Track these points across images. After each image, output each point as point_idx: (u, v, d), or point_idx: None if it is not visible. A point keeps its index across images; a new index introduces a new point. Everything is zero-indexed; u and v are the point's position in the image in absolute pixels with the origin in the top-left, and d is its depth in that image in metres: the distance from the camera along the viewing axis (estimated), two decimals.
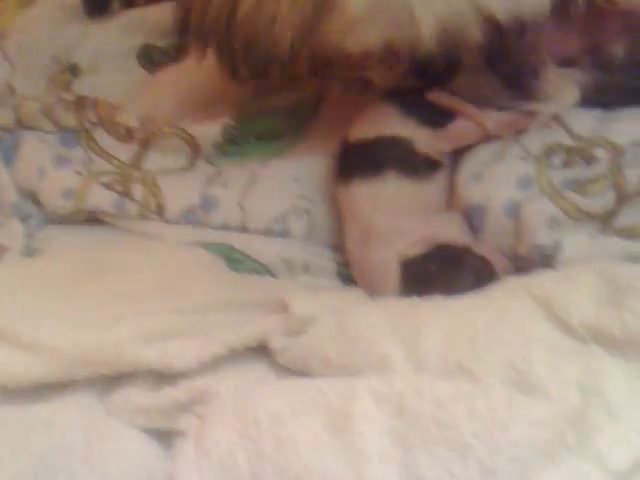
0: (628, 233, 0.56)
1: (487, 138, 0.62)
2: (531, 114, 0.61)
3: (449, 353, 0.50)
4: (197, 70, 0.71)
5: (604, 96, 0.62)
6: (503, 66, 0.59)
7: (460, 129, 0.62)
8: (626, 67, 0.62)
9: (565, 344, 0.48)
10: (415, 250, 0.59)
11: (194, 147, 0.70)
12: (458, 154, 0.63)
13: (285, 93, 0.70)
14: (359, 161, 0.62)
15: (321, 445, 0.45)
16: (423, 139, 0.62)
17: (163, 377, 0.53)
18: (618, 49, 0.62)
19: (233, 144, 0.69)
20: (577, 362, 0.46)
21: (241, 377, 0.54)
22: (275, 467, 0.45)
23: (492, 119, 0.61)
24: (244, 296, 0.59)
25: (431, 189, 0.62)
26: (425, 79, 0.60)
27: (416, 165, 0.62)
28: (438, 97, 0.62)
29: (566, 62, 0.62)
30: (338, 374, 0.52)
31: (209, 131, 0.69)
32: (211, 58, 0.63)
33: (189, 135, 0.70)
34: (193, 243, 0.64)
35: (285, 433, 0.46)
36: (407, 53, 0.54)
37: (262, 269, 0.64)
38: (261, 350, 0.56)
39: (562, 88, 0.60)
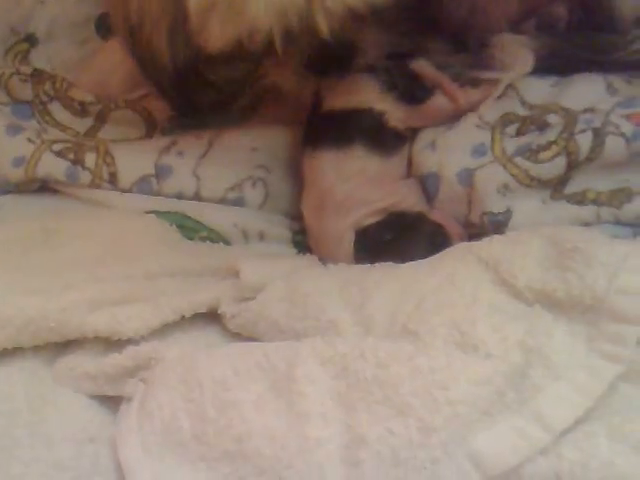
0: (578, 199, 0.57)
1: (457, 116, 0.62)
2: (494, 83, 0.61)
3: (396, 316, 0.50)
4: None
5: (557, 62, 0.62)
6: (446, 29, 0.59)
7: (436, 106, 0.62)
8: (570, 28, 0.62)
9: (510, 306, 0.48)
10: (370, 219, 0.59)
11: (149, 120, 0.69)
12: None
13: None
14: (329, 131, 0.62)
15: (264, 407, 0.45)
16: (398, 115, 0.62)
17: (112, 343, 0.53)
18: (561, 10, 0.63)
19: (186, 116, 0.69)
20: (520, 323, 0.47)
21: (190, 343, 0.54)
22: (217, 429, 0.45)
23: (465, 95, 0.62)
24: (195, 263, 0.58)
25: (395, 162, 0.62)
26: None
27: (385, 140, 0.62)
28: (421, 67, 0.62)
29: (510, 26, 0.62)
30: (287, 339, 0.52)
31: (161, 104, 0.68)
32: None
33: (144, 108, 0.69)
34: (146, 211, 0.63)
35: (229, 396, 0.46)
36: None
37: (216, 237, 0.63)
38: (211, 316, 0.56)
39: (517, 55, 0.60)
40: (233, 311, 0.54)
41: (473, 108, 0.61)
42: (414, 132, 0.63)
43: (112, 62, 0.70)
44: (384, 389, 0.44)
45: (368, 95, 0.62)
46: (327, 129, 0.62)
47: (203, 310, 0.55)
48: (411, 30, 0.67)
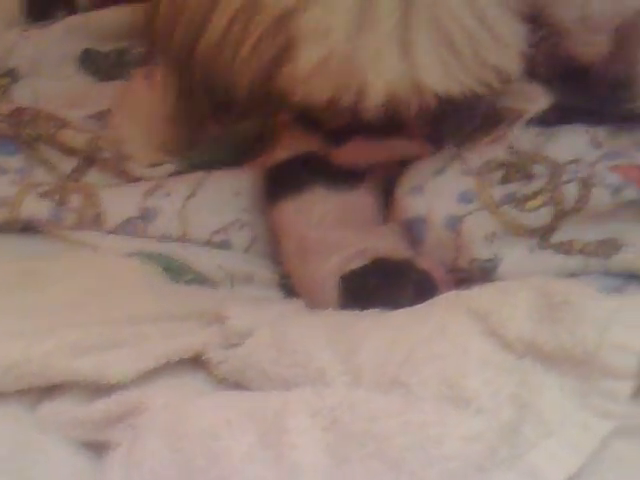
0: (565, 248, 0.57)
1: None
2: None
3: (385, 367, 0.49)
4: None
5: (545, 113, 0.62)
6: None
7: (354, 150, 0.63)
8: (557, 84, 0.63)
9: (501, 359, 0.48)
10: (354, 264, 0.59)
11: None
12: (397, 168, 0.63)
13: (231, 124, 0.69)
14: (282, 182, 0.63)
15: (255, 458, 0.44)
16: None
17: (96, 389, 0.52)
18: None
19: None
20: (512, 377, 0.46)
21: (177, 390, 0.53)
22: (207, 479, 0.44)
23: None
24: (181, 307, 0.58)
25: (359, 199, 0.62)
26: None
27: (337, 177, 0.62)
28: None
29: None
30: (275, 387, 0.51)
31: (160, 172, 0.68)
32: None
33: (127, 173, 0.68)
34: (130, 254, 0.63)
35: (218, 446, 0.45)
36: (350, 110, 0.55)
37: (203, 280, 0.62)
38: (198, 362, 0.55)
39: (534, 94, 0.60)
40: (220, 357, 0.53)
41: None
42: (395, 175, 0.64)
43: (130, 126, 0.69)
44: (376, 442, 0.43)
45: (301, 141, 0.63)
46: (279, 182, 0.63)
47: (188, 356, 0.54)
48: None
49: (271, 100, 0.58)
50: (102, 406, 0.49)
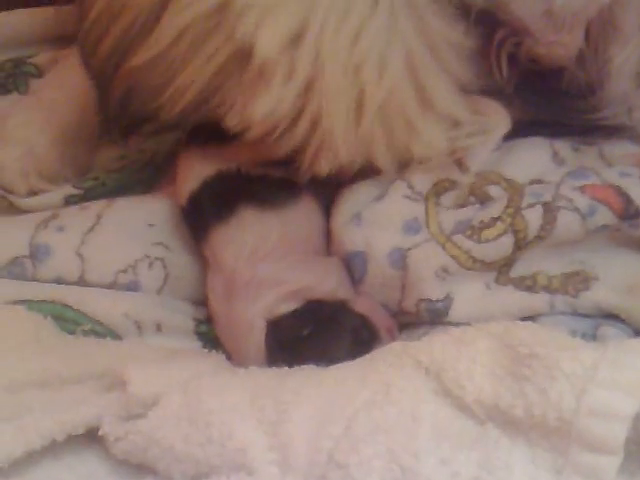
0: (527, 284, 0.49)
1: None
2: None
3: (320, 442, 0.40)
4: (64, 104, 0.61)
5: None
6: None
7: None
8: (519, 91, 0.55)
9: (457, 426, 0.40)
10: (285, 306, 0.50)
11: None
12: (333, 192, 0.54)
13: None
14: (206, 211, 0.53)
15: None
16: (239, 158, 0.53)
17: None
18: (512, 75, 0.56)
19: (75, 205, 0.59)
20: (473, 451, 0.38)
21: (63, 476, 0.43)
22: None
23: None
24: (74, 367, 0.48)
25: (299, 218, 0.53)
26: None
27: (267, 191, 0.53)
28: None
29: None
30: (184, 470, 0.42)
31: (48, 203, 0.58)
32: None
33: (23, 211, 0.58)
34: (15, 301, 0.52)
35: None
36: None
37: (103, 330, 0.52)
38: (91, 438, 0.45)
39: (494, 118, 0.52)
40: (118, 433, 0.43)
41: None
42: (331, 202, 0.55)
43: (34, 131, 0.59)
44: None
45: (206, 160, 0.54)
46: (202, 209, 0.54)
47: (80, 432, 0.44)
48: None
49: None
50: None
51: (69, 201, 0.58)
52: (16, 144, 0.59)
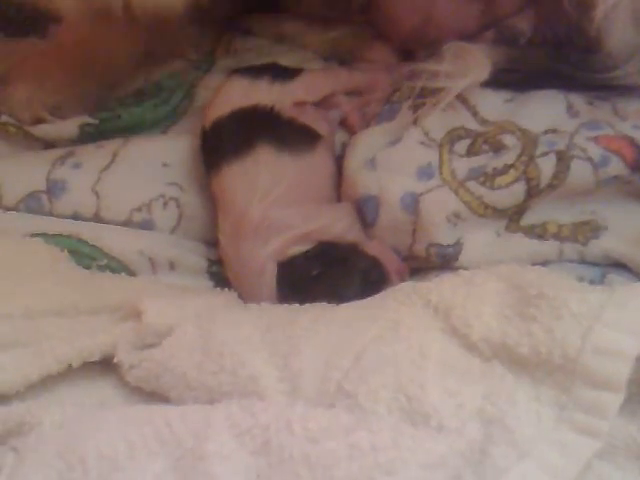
0: (537, 232, 0.49)
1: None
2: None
3: (330, 372, 0.41)
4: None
5: (515, 76, 0.55)
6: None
7: (309, 81, 0.56)
8: (533, 43, 0.55)
9: (464, 362, 0.41)
10: (295, 249, 0.51)
11: (46, 144, 0.59)
12: (352, 128, 0.55)
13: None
14: (226, 140, 0.53)
15: None
16: (281, 98, 0.54)
17: None
18: (523, 24, 0.56)
19: (91, 140, 0.59)
20: (478, 386, 0.39)
21: (78, 400, 0.44)
22: None
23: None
24: (90, 299, 0.49)
25: (314, 165, 0.53)
26: None
27: (289, 135, 0.53)
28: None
29: (467, 38, 0.54)
30: (198, 397, 0.43)
31: (63, 131, 0.59)
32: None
33: (36, 138, 0.59)
34: (33, 234, 0.53)
35: (118, 477, 0.36)
36: None
37: (118, 266, 0.53)
38: (106, 366, 0.46)
39: (472, 63, 0.53)
40: (132, 360, 0.45)
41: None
42: (345, 145, 0.55)
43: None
44: (315, 471, 0.35)
45: (243, 92, 0.55)
46: (222, 139, 0.54)
47: (95, 359, 0.45)
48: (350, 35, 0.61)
49: None
50: None
51: (84, 131, 0.58)
52: (29, 80, 0.59)
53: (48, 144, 0.59)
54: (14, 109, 0.57)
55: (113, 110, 0.59)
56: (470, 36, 0.54)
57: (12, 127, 0.58)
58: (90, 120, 0.58)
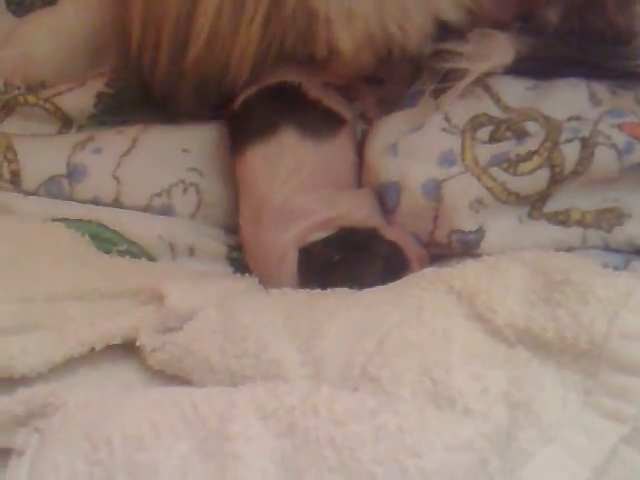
0: (560, 219, 0.49)
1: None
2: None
3: (353, 356, 0.41)
4: (77, 16, 0.61)
5: (537, 64, 0.54)
6: None
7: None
8: (560, 33, 0.55)
9: (488, 348, 0.41)
10: (317, 235, 0.51)
11: (64, 119, 0.59)
12: (370, 121, 0.55)
13: None
14: (251, 122, 0.53)
15: (190, 472, 0.36)
16: (310, 78, 0.54)
17: (1, 382, 0.43)
18: (552, 15, 0.55)
19: (109, 114, 0.59)
20: (503, 370, 0.39)
21: (100, 383, 0.44)
22: None
23: None
24: (111, 283, 0.49)
25: (336, 152, 0.53)
26: None
27: (315, 119, 0.53)
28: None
29: (499, 26, 0.54)
30: (220, 380, 0.43)
31: (80, 102, 0.59)
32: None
33: (56, 107, 0.59)
34: (54, 219, 0.53)
35: (145, 458, 0.36)
36: None
37: (138, 251, 0.53)
38: (128, 349, 0.46)
39: (495, 47, 0.53)
40: (155, 344, 0.45)
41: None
42: (367, 131, 0.55)
43: (40, 33, 0.59)
44: (340, 453, 0.35)
45: (270, 70, 0.54)
46: (248, 120, 0.54)
47: (118, 342, 0.45)
48: None
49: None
50: (3, 405, 0.40)
51: (101, 101, 0.58)
52: (17, 44, 0.60)
53: (66, 119, 0.59)
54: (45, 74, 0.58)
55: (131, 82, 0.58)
56: (503, 24, 0.53)
57: (31, 97, 0.59)
58: (106, 89, 0.58)
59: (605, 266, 0.47)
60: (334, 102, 0.54)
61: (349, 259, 0.50)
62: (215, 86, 0.53)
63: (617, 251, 0.48)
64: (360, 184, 0.54)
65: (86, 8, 0.61)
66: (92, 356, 0.45)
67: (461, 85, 0.53)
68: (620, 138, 0.48)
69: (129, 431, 0.37)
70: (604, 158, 0.48)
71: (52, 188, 0.55)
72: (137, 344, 0.45)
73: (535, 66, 0.54)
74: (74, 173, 0.55)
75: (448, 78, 0.53)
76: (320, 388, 0.38)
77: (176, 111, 0.56)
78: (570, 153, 0.48)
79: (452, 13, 0.51)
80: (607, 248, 0.48)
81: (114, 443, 0.37)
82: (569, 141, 0.49)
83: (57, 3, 0.63)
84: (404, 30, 0.51)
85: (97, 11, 0.60)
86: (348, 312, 0.44)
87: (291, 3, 0.49)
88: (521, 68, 0.54)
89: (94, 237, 0.53)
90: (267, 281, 0.52)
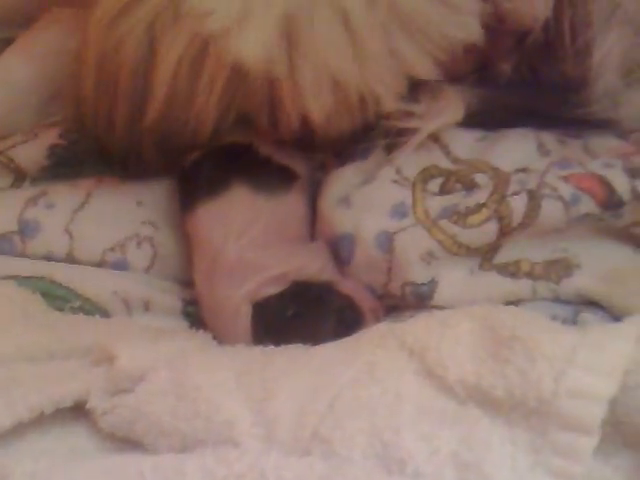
0: (510, 270, 0.50)
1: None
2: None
3: (305, 417, 0.41)
4: (23, 68, 0.61)
5: (486, 115, 0.55)
6: None
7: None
8: (512, 83, 0.56)
9: (440, 406, 0.41)
10: (271, 289, 0.51)
11: (16, 172, 0.59)
12: (322, 174, 0.55)
13: None
14: (202, 178, 0.54)
15: None
16: (260, 136, 0.54)
17: None
18: (506, 66, 0.56)
19: (63, 166, 0.59)
20: (453, 430, 0.39)
21: (50, 448, 0.43)
22: None
23: None
24: (62, 342, 0.48)
25: (289, 206, 0.54)
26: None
27: (267, 174, 0.54)
28: None
29: (454, 80, 0.55)
30: (172, 444, 0.42)
31: (33, 155, 0.58)
32: None
33: (10, 159, 0.58)
34: (4, 276, 0.52)
35: None
36: None
37: (92, 308, 0.53)
38: (79, 412, 0.45)
39: (447, 104, 0.54)
40: (105, 406, 0.44)
41: None
42: (319, 184, 0.56)
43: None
44: None
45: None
46: (199, 178, 0.54)
47: (68, 405, 0.44)
48: None
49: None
50: None
51: (54, 152, 0.58)
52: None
53: (19, 172, 0.58)
54: None
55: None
56: (458, 78, 0.54)
57: None
58: (59, 141, 0.58)
59: (554, 318, 0.48)
60: (286, 158, 0.54)
61: (303, 313, 0.50)
62: (176, 145, 0.53)
63: (567, 302, 0.49)
64: (314, 237, 0.55)
65: (33, 60, 0.61)
66: (41, 420, 0.45)
67: (413, 142, 0.53)
68: (566, 190, 0.49)
69: None
70: (551, 210, 0.49)
71: (3, 245, 0.54)
72: (87, 407, 0.44)
73: (486, 117, 0.55)
74: (26, 229, 0.55)
75: (400, 135, 0.54)
76: (269, 454, 0.38)
77: (134, 170, 0.56)
78: (517, 205, 0.49)
79: (422, 68, 0.51)
80: (557, 300, 0.49)
81: None
82: (516, 193, 0.49)
83: (0, 57, 0.62)
84: (381, 92, 0.51)
85: (44, 62, 0.60)
86: (301, 371, 0.44)
87: (254, 73, 0.49)
88: (471, 120, 0.55)
89: (46, 294, 0.53)
90: (222, 336, 0.51)
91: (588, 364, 0.39)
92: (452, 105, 0.53)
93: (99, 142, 0.54)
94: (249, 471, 0.37)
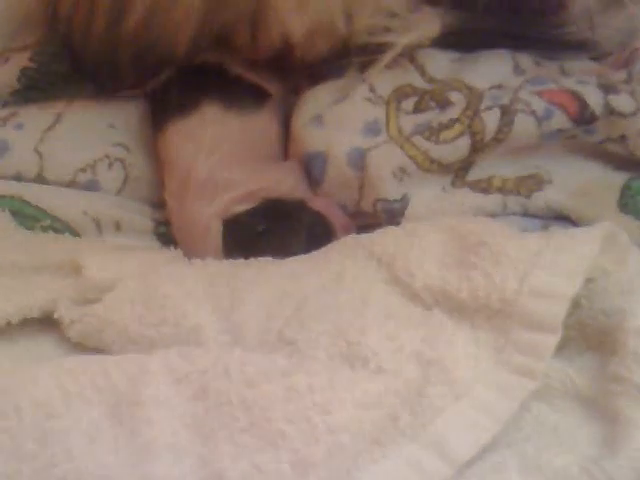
0: (482, 186, 0.49)
1: None
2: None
3: (271, 322, 0.41)
4: None
5: (463, 36, 0.55)
6: None
7: None
8: (489, 5, 0.55)
9: (405, 311, 0.41)
10: (241, 206, 0.50)
11: None
12: (296, 93, 0.55)
13: None
14: (172, 98, 0.53)
15: (99, 438, 0.35)
16: (232, 56, 0.53)
17: None
18: None
19: (34, 90, 0.57)
20: (418, 331, 0.39)
21: (17, 356, 0.44)
22: (36, 468, 0.35)
23: None
24: (31, 257, 0.48)
25: (261, 124, 0.53)
26: None
27: (238, 94, 0.53)
28: None
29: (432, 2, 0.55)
30: (140, 350, 0.42)
31: (4, 78, 0.57)
32: None
33: None
34: None
35: (53, 425, 0.36)
36: None
37: (62, 227, 0.52)
38: (47, 322, 0.45)
39: (422, 22, 0.53)
40: (73, 316, 0.44)
41: None
42: (292, 103, 0.55)
43: None
44: (251, 414, 0.35)
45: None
46: (169, 97, 0.53)
47: (35, 315, 0.44)
48: None
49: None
50: None
51: (25, 74, 0.56)
52: None
53: None
54: None
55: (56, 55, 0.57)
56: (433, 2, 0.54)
57: None
58: (30, 64, 0.57)
59: (524, 231, 0.47)
60: (258, 77, 0.54)
61: (274, 229, 0.50)
62: (154, 58, 0.52)
63: (536, 216, 0.49)
64: (286, 156, 0.54)
65: None
66: (10, 330, 0.45)
67: (386, 58, 0.53)
68: (539, 105, 0.48)
69: (39, 398, 0.37)
70: (524, 125, 0.48)
71: None
72: (55, 316, 0.44)
73: (462, 38, 0.55)
74: None
75: (374, 51, 0.54)
76: (233, 351, 0.38)
77: (108, 83, 0.55)
78: (490, 120, 0.48)
79: None
80: (526, 214, 0.49)
81: (23, 410, 0.36)
82: (489, 108, 0.49)
83: None
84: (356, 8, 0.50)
85: None
86: (269, 280, 0.44)
87: None
88: (448, 41, 0.54)
89: (16, 213, 0.52)
90: (192, 254, 0.51)
91: (552, 265, 0.39)
92: (428, 21, 0.52)
93: (71, 57, 0.53)
94: (212, 367, 0.37)
